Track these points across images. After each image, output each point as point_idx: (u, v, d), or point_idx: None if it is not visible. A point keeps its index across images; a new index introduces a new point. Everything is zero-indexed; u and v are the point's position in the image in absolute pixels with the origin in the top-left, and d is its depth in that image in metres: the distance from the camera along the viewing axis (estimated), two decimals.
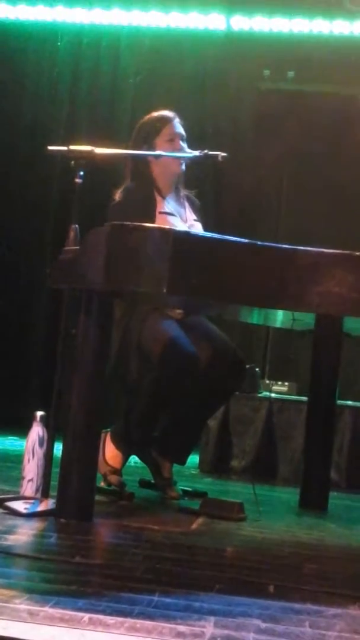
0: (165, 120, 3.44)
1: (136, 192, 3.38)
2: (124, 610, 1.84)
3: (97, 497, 2.93)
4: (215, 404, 3.64)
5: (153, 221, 3.26)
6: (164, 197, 3.42)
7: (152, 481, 3.50)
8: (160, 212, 3.35)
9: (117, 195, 3.39)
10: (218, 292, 2.80)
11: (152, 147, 3.38)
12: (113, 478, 3.32)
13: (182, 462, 3.47)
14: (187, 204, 3.52)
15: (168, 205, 3.42)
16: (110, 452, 3.36)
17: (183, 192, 3.53)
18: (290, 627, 1.86)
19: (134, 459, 3.56)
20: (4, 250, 5.71)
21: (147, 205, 3.32)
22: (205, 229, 3.45)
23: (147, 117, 3.50)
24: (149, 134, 3.42)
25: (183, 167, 3.43)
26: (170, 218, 3.35)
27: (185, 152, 3.40)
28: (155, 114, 3.49)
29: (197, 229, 3.44)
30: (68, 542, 2.52)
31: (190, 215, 3.50)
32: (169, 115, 3.47)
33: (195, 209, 3.55)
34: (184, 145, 3.43)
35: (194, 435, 3.58)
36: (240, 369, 3.44)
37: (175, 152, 3.39)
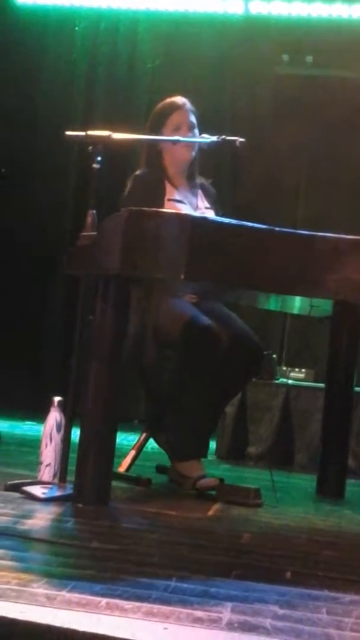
0: (173, 108, 3.41)
1: (144, 179, 3.37)
2: (141, 595, 1.84)
3: (114, 483, 2.94)
4: (233, 390, 3.63)
5: (162, 208, 3.25)
6: (175, 185, 3.41)
7: (169, 466, 3.50)
8: (169, 200, 3.33)
9: (128, 184, 3.39)
10: (235, 278, 2.79)
11: (161, 128, 3.36)
12: (205, 482, 3.23)
13: (205, 454, 3.41)
14: (200, 192, 3.50)
15: (178, 192, 3.40)
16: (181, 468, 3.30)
17: (198, 180, 3.51)
18: (307, 613, 1.86)
19: (150, 444, 3.56)
20: (25, 238, 5.72)
21: (155, 193, 3.30)
22: (223, 216, 3.43)
23: (161, 103, 3.48)
24: (158, 122, 3.40)
25: (193, 153, 3.40)
26: (179, 205, 3.33)
27: (195, 145, 3.38)
28: (167, 100, 3.46)
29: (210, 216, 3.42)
30: (85, 527, 2.53)
31: (202, 204, 3.47)
32: (178, 102, 3.43)
33: (209, 198, 3.52)
34: (193, 133, 3.38)
35: (212, 424, 3.55)
36: (257, 355, 3.42)
37: (190, 138, 3.37)
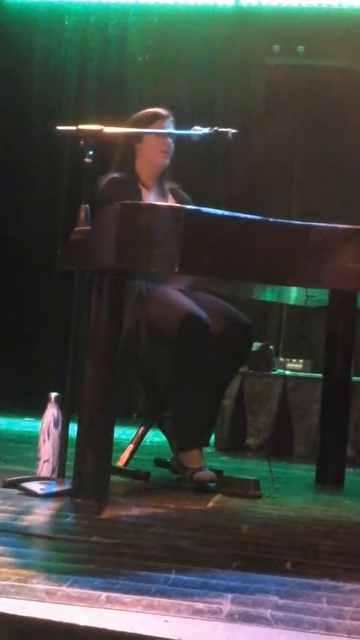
0: (157, 117, 3.42)
1: (121, 181, 3.37)
2: (141, 589, 1.84)
3: (113, 477, 2.94)
4: (229, 374, 3.62)
5: None
6: (147, 189, 3.43)
7: (168, 460, 3.50)
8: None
9: (103, 184, 3.37)
10: (230, 270, 2.78)
11: (141, 139, 3.36)
12: (201, 475, 3.22)
13: (207, 443, 3.41)
14: (170, 197, 3.50)
15: (151, 196, 3.41)
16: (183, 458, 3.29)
17: (168, 186, 3.52)
18: (307, 602, 1.86)
19: (149, 438, 3.56)
20: (18, 234, 5.71)
21: (133, 194, 3.30)
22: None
23: (143, 110, 3.47)
24: (141, 126, 3.39)
25: (167, 160, 3.43)
26: None
27: (171, 152, 3.39)
28: (149, 109, 3.46)
29: None
30: (84, 521, 2.53)
31: None
32: (162, 113, 3.44)
33: (181, 202, 3.50)
34: (172, 145, 3.40)
35: (213, 412, 3.54)
36: (248, 334, 3.43)
37: (163, 149, 3.37)
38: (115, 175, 3.42)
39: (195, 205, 3.43)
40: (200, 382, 3.26)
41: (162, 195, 3.48)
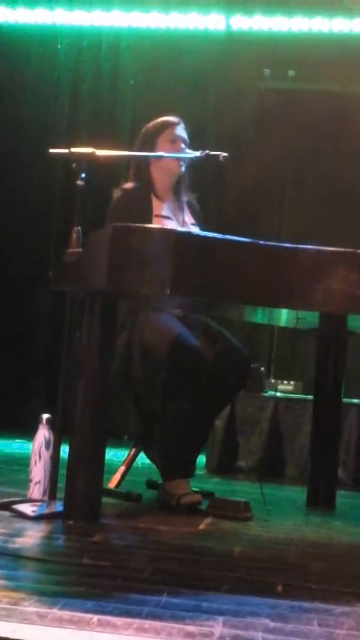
0: (169, 123, 3.45)
1: (133, 194, 3.38)
2: (132, 611, 1.84)
3: (104, 499, 2.93)
4: (221, 403, 3.62)
5: (149, 224, 3.26)
6: (162, 200, 3.42)
7: (159, 482, 3.50)
8: (157, 215, 3.34)
9: (115, 195, 3.40)
10: (221, 292, 2.80)
11: (153, 148, 3.38)
12: (189, 498, 3.18)
13: (192, 474, 3.31)
14: (186, 208, 3.52)
15: (165, 208, 3.41)
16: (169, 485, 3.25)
17: (184, 197, 3.53)
18: (298, 625, 1.86)
19: (140, 459, 3.56)
20: (9, 254, 5.72)
21: (143, 208, 3.32)
22: (206, 231, 3.44)
23: (154, 120, 3.50)
24: (152, 135, 3.42)
25: (182, 168, 3.42)
26: (166, 221, 3.34)
27: (186, 160, 3.40)
28: (161, 118, 3.49)
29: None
30: (76, 543, 2.52)
31: (189, 219, 3.48)
32: (174, 119, 3.47)
33: (195, 214, 3.54)
34: (185, 149, 3.42)
35: (200, 441, 3.50)
36: (244, 365, 3.40)
37: (176, 153, 3.39)
38: (126, 187, 3.42)
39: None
40: (188, 412, 3.21)
41: (178, 208, 3.47)
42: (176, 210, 3.46)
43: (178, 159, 3.38)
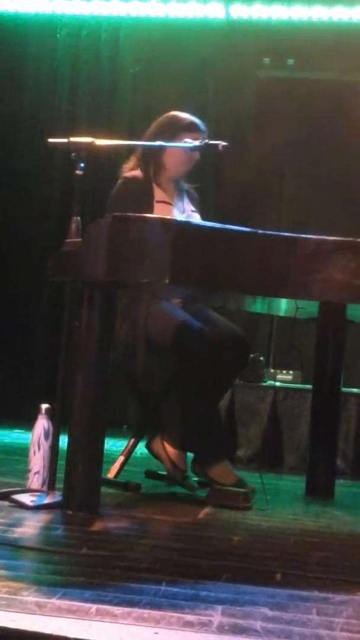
0: (201, 131, 3.39)
1: (134, 182, 3.37)
2: (131, 601, 1.84)
3: (103, 489, 2.93)
4: (223, 387, 3.62)
5: (151, 210, 3.27)
6: (162, 188, 3.42)
7: (159, 472, 3.50)
8: (158, 201, 3.35)
9: (116, 185, 3.39)
10: (220, 282, 2.79)
11: (173, 139, 3.34)
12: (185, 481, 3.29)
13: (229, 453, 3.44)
14: (185, 196, 3.52)
15: (166, 195, 3.41)
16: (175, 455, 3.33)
17: (186, 186, 3.53)
18: (297, 614, 1.86)
19: (139, 449, 3.56)
20: (8, 244, 5.71)
21: (144, 195, 3.31)
22: (205, 220, 3.44)
23: (182, 113, 3.45)
24: (178, 129, 3.37)
25: (187, 171, 3.45)
26: (167, 207, 3.34)
27: (194, 161, 3.39)
28: (191, 116, 3.44)
29: (196, 219, 3.43)
30: (75, 533, 2.53)
31: (188, 207, 3.49)
32: (202, 128, 3.41)
33: (194, 202, 3.54)
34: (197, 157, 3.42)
35: (218, 424, 3.53)
36: (244, 347, 3.42)
37: (192, 159, 3.38)
38: (129, 174, 3.41)
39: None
40: (197, 391, 3.25)
41: (179, 195, 3.48)
42: (176, 197, 3.46)
43: (194, 155, 3.36)
